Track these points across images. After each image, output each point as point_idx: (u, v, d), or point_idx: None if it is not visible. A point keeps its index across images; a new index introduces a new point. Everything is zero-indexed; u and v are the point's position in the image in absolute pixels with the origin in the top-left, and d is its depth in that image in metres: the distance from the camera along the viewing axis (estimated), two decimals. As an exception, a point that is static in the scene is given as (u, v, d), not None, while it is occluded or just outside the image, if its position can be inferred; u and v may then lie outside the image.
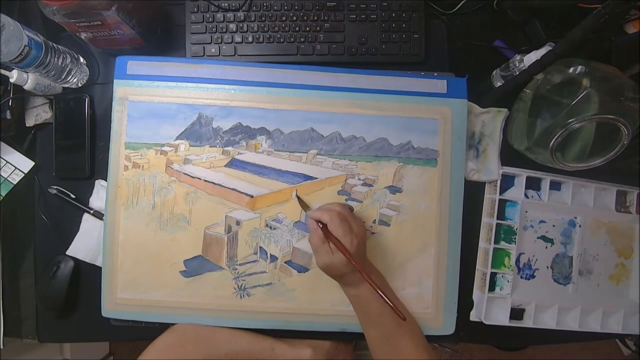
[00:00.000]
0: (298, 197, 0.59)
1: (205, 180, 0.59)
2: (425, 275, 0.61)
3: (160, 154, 0.59)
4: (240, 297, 0.59)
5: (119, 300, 0.59)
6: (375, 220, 0.61)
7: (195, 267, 0.59)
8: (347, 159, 0.61)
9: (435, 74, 0.64)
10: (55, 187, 0.61)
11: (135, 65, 0.60)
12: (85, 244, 0.61)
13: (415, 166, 0.61)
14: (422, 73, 0.64)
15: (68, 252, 0.61)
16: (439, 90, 0.62)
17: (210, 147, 0.60)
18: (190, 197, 0.59)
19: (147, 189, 0.59)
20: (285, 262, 0.60)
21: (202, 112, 0.60)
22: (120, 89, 0.59)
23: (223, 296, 0.59)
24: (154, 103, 0.59)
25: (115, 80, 0.59)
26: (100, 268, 0.60)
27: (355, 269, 0.49)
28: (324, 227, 0.51)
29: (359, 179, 0.61)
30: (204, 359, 0.56)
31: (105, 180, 0.61)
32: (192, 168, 0.60)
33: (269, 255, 0.60)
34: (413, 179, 0.61)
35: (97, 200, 0.62)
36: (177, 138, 0.60)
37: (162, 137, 0.59)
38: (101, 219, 0.61)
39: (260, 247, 0.60)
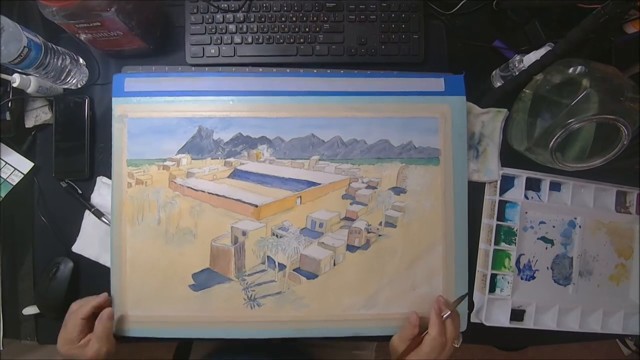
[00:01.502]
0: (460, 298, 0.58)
1: (209, 193, 0.59)
2: (435, 274, 0.61)
3: (163, 169, 0.59)
4: (251, 307, 0.59)
5: (130, 318, 0.58)
6: (381, 222, 0.61)
7: (204, 280, 0.59)
8: (350, 163, 0.61)
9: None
10: (67, 180, 0.61)
11: (132, 82, 0.60)
12: (88, 240, 0.61)
13: (418, 166, 0.61)
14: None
15: (73, 249, 0.61)
16: (437, 89, 0.62)
17: (212, 159, 0.60)
18: (195, 211, 0.59)
19: (151, 205, 0.59)
20: (293, 270, 0.60)
21: (202, 125, 0.60)
22: (119, 106, 0.59)
23: (233, 308, 0.59)
24: (154, 119, 0.59)
25: (113, 99, 0.59)
26: (101, 268, 0.60)
27: None
28: (418, 336, 0.53)
29: (363, 182, 0.61)
30: None
31: (106, 177, 0.61)
32: (195, 181, 0.59)
33: (277, 264, 0.59)
34: (416, 179, 0.61)
35: (97, 197, 0.62)
36: (179, 152, 0.59)
37: (164, 152, 0.59)
38: (100, 218, 0.61)
39: (268, 257, 0.59)
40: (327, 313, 0.60)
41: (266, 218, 0.59)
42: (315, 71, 0.64)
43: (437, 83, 0.62)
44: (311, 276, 0.60)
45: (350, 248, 0.60)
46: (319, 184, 0.60)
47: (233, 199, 0.59)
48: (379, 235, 0.60)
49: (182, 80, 0.60)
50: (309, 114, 0.60)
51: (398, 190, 0.61)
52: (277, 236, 0.59)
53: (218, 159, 0.60)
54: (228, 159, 0.60)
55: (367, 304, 0.60)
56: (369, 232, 0.60)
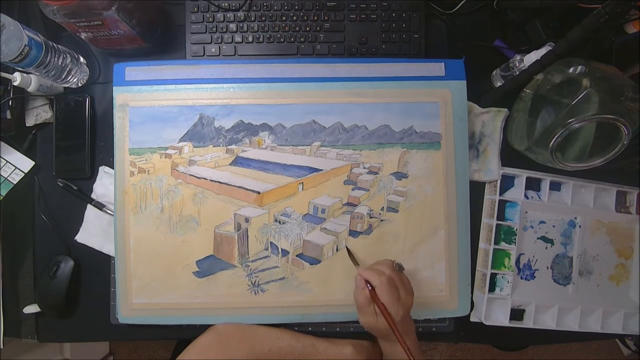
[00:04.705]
0: (348, 250, 0.59)
1: (211, 180, 0.59)
2: (437, 258, 0.61)
3: (165, 157, 0.59)
4: (255, 293, 0.59)
5: (134, 306, 0.58)
6: (383, 207, 0.61)
7: (207, 267, 0.59)
8: (351, 149, 0.61)
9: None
10: (61, 180, 0.62)
11: (133, 71, 0.60)
12: (91, 231, 0.62)
13: (419, 150, 0.61)
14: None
15: (77, 239, 0.61)
16: (437, 74, 0.62)
17: (213, 146, 0.60)
18: (197, 198, 0.59)
19: (154, 193, 0.59)
20: (296, 256, 0.60)
21: (203, 113, 0.60)
22: (120, 95, 0.59)
23: (237, 294, 0.59)
24: (155, 107, 0.59)
25: (114, 88, 0.59)
26: (102, 262, 0.60)
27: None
28: (372, 289, 0.50)
29: (364, 168, 0.61)
30: (247, 355, 0.55)
31: (109, 167, 0.61)
32: (197, 169, 0.60)
33: (280, 250, 0.60)
34: (418, 164, 0.61)
35: (100, 186, 0.62)
36: (181, 140, 0.60)
37: (166, 141, 0.59)
38: (101, 209, 0.61)
39: (270, 243, 0.60)
40: (330, 298, 0.60)
41: (268, 204, 0.60)
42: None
43: (437, 68, 0.62)
44: (314, 262, 0.60)
45: (353, 233, 0.60)
46: (321, 170, 0.61)
47: (235, 186, 0.60)
48: (381, 220, 0.61)
49: (183, 68, 0.60)
50: (310, 100, 0.61)
51: (399, 175, 0.61)
52: (279, 222, 0.60)
53: (220, 146, 0.60)
54: (230, 146, 0.60)
55: None
56: (371, 217, 0.60)
